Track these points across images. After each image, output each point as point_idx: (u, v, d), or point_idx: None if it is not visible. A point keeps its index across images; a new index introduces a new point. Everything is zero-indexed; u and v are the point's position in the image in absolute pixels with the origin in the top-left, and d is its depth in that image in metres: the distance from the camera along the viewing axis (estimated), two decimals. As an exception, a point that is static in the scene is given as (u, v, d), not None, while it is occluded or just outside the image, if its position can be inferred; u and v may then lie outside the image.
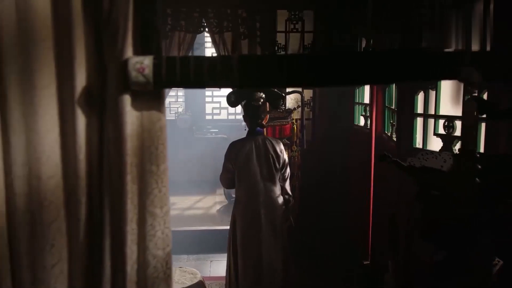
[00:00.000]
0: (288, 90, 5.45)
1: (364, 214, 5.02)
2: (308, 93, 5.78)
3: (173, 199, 6.84)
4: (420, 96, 3.95)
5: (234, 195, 7.64)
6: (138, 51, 1.33)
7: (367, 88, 5.26)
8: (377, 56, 1.34)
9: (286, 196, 4.02)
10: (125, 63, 1.28)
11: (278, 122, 5.43)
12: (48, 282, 1.36)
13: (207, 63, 1.28)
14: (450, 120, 3.53)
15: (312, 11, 5.63)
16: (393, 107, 4.54)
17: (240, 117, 8.91)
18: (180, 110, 9.21)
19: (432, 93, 3.79)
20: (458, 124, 3.48)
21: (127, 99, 1.31)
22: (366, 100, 5.38)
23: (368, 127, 5.13)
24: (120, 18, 1.28)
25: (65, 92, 1.34)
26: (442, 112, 3.72)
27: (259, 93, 3.95)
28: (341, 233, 5.59)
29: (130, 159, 1.33)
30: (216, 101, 9.63)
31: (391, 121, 4.60)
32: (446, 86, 3.71)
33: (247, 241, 3.72)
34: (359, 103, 5.58)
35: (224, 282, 4.32)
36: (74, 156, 1.35)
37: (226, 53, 5.54)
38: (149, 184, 1.36)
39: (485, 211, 2.15)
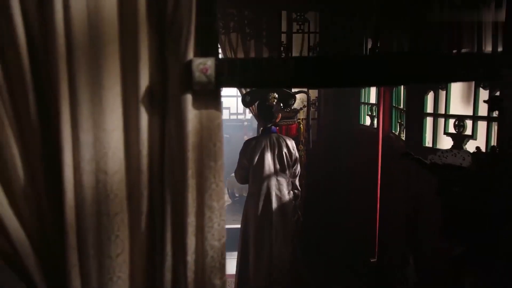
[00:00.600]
0: (293, 90, 5.55)
1: (370, 212, 5.14)
2: (313, 93, 5.89)
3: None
4: (430, 96, 4.07)
5: (237, 195, 7.77)
6: (197, 53, 1.42)
7: (373, 88, 5.38)
8: (422, 59, 1.45)
9: (296, 191, 4.27)
10: (188, 64, 1.37)
11: (285, 122, 5.55)
12: (113, 270, 1.45)
13: (265, 64, 1.38)
14: (460, 119, 3.65)
15: (317, 12, 5.74)
16: (401, 106, 4.66)
17: (242, 117, 9.03)
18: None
19: (442, 93, 3.91)
20: (469, 123, 3.60)
21: (189, 98, 1.40)
22: (372, 100, 5.50)
23: (375, 126, 5.25)
24: (184, 22, 1.38)
25: (129, 92, 1.43)
26: (452, 111, 3.84)
27: (272, 93, 4.13)
28: (346, 230, 5.70)
29: (191, 155, 1.43)
30: (218, 101, 9.69)
31: (399, 121, 4.72)
32: (456, 86, 3.83)
33: (259, 232, 3.99)
34: (365, 103, 5.70)
35: (233, 280, 4.45)
36: (137, 152, 1.44)
37: (232, 54, 5.65)
38: (207, 179, 1.46)
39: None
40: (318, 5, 5.63)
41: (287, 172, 4.19)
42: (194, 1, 1.37)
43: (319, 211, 5.68)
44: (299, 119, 5.60)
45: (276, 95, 4.15)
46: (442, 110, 3.88)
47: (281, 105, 4.37)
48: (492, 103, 2.53)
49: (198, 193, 1.46)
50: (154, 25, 1.42)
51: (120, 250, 1.46)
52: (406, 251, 2.73)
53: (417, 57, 1.47)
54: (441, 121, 3.90)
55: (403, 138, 4.44)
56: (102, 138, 1.41)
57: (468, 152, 2.59)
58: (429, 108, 4.06)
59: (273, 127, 4.24)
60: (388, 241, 4.71)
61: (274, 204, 4.01)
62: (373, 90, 5.40)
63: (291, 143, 4.24)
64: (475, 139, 3.51)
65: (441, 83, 3.38)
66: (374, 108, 5.36)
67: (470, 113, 3.59)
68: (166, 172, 1.45)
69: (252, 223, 3.98)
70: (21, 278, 1.46)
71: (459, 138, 3.66)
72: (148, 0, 1.40)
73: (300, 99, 5.85)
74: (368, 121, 5.50)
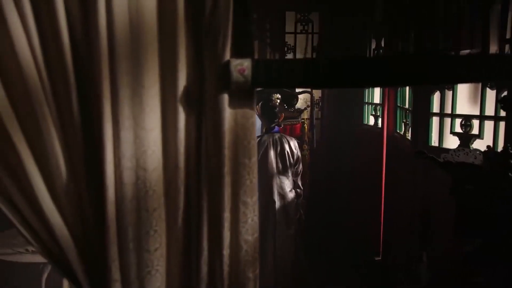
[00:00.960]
0: (297, 90, 5.62)
1: (374, 211, 5.21)
2: (317, 93, 5.97)
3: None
4: (436, 96, 4.15)
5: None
6: (232, 54, 1.49)
7: (376, 88, 5.46)
8: (446, 60, 1.53)
9: (298, 190, 4.41)
10: (226, 64, 1.44)
11: (289, 122, 5.62)
12: (151, 264, 1.52)
13: (300, 65, 1.45)
14: (467, 118, 3.73)
15: (320, 12, 5.82)
16: (406, 106, 4.75)
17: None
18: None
19: (449, 93, 3.99)
20: (476, 123, 3.68)
21: (225, 97, 1.47)
22: (376, 100, 5.58)
23: (379, 126, 5.33)
24: (221, 25, 1.44)
25: (167, 91, 1.50)
26: (459, 111, 3.92)
27: (275, 94, 4.26)
28: (349, 230, 5.78)
29: (227, 153, 1.49)
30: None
31: (404, 120, 4.80)
32: (463, 86, 3.91)
33: (262, 229, 4.00)
34: (369, 103, 5.78)
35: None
36: (175, 150, 1.51)
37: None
38: (242, 175, 1.53)
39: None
40: (321, 5, 5.71)
41: (289, 170, 4.32)
42: (231, 4, 1.44)
43: (322, 210, 5.75)
44: (303, 119, 5.68)
45: (279, 96, 4.27)
46: (448, 110, 3.96)
47: (285, 105, 4.48)
48: (508, 103, 2.61)
49: (233, 189, 1.53)
50: (191, 27, 1.49)
51: (158, 244, 1.52)
52: (419, 248, 2.81)
53: (440, 59, 1.55)
54: (448, 120, 3.98)
55: (409, 138, 4.51)
56: (142, 136, 1.47)
57: (479, 150, 2.67)
58: (435, 108, 4.14)
59: (276, 126, 4.35)
60: (393, 240, 4.79)
61: (277, 202, 4.15)
62: (377, 90, 5.49)
63: (293, 143, 4.36)
64: (482, 139, 3.59)
65: (452, 84, 3.46)
66: (378, 108, 5.44)
67: (477, 112, 3.67)
68: (203, 169, 1.52)
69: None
70: (64, 272, 1.52)
71: (466, 138, 3.73)
72: (186, 3, 1.46)
73: (303, 99, 5.92)
74: (372, 121, 5.58)
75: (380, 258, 5.24)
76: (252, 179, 1.53)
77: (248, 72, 1.42)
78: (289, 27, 5.85)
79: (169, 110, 1.50)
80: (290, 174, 4.35)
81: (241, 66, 1.42)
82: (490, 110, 3.51)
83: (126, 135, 1.46)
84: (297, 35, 5.86)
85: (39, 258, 3.36)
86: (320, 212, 5.70)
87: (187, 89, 1.49)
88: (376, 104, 5.48)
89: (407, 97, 4.68)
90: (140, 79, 1.45)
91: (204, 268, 1.52)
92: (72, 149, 1.48)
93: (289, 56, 5.84)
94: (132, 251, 1.50)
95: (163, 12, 1.46)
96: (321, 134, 5.94)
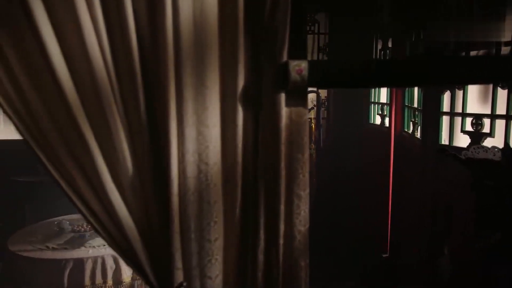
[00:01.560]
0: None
1: (381, 209, 5.34)
2: (323, 93, 6.10)
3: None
4: (446, 95, 4.28)
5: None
6: (288, 55, 1.61)
7: (383, 88, 5.59)
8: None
9: None
10: (284, 65, 1.56)
11: (296, 121, 5.73)
12: (212, 253, 1.64)
13: (354, 65, 1.58)
14: (478, 117, 3.87)
15: (327, 13, 5.93)
16: (414, 106, 4.88)
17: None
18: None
19: (459, 92, 4.13)
20: (487, 121, 3.82)
21: (282, 96, 1.59)
22: (382, 99, 5.72)
23: (385, 125, 5.47)
24: (280, 28, 1.56)
25: (227, 91, 1.61)
26: (469, 110, 4.06)
27: None
28: (355, 229, 5.91)
29: (283, 148, 1.61)
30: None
31: (412, 120, 4.93)
32: (474, 85, 4.05)
33: None
34: (375, 103, 5.92)
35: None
36: (234, 145, 1.63)
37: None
38: (295, 170, 1.65)
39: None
40: (327, 6, 5.82)
41: None
42: (289, 9, 1.56)
43: (328, 209, 5.87)
44: (310, 118, 5.80)
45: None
46: (458, 109, 4.09)
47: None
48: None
49: (288, 183, 1.65)
50: (249, 31, 1.60)
51: (217, 234, 1.64)
52: (441, 242, 2.95)
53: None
54: (458, 119, 4.11)
55: (417, 136, 4.65)
56: (205, 133, 1.59)
57: (498, 148, 2.81)
58: (445, 107, 4.27)
59: None
60: (401, 239, 4.92)
61: None
62: (383, 90, 5.62)
63: None
64: (493, 137, 3.72)
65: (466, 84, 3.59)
66: (385, 107, 5.57)
67: (487, 111, 3.80)
68: (260, 164, 1.63)
69: None
70: (131, 261, 1.63)
71: (477, 136, 3.87)
72: (245, 8, 1.57)
73: (310, 99, 6.05)
74: (378, 121, 5.72)
75: (387, 255, 5.38)
76: (305, 173, 1.65)
77: (305, 72, 1.54)
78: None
79: (228, 108, 1.61)
80: None
81: (299, 67, 1.54)
82: (501, 109, 3.65)
83: (190, 132, 1.57)
84: (304, 36, 5.96)
85: (60, 255, 3.46)
86: (326, 211, 5.82)
87: (245, 88, 1.61)
88: (383, 104, 5.61)
89: (416, 97, 4.81)
90: (203, 79, 1.57)
91: (261, 257, 1.64)
92: (138, 145, 1.59)
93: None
94: (194, 241, 1.61)
95: (224, 16, 1.57)
96: (327, 134, 6.07)
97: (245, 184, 1.64)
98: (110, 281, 3.44)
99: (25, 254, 3.47)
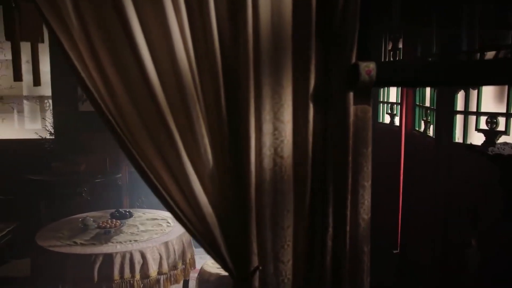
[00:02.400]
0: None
1: (392, 207, 5.52)
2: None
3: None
4: (460, 94, 4.47)
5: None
6: (356, 57, 1.78)
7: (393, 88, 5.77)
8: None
9: None
10: (354, 66, 1.73)
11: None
12: (285, 239, 1.80)
13: (419, 66, 1.75)
14: (493, 116, 4.06)
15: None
16: (426, 105, 5.07)
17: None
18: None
19: (473, 92, 4.32)
20: (501, 120, 4.01)
21: (351, 95, 1.76)
22: (392, 99, 5.91)
23: (395, 124, 5.66)
24: (349, 33, 1.74)
25: (299, 89, 1.78)
26: (484, 109, 4.24)
27: None
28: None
29: (350, 143, 1.79)
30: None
31: (424, 118, 5.12)
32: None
33: None
34: (384, 102, 6.11)
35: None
36: (305, 140, 1.80)
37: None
38: (360, 163, 1.82)
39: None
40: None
41: None
42: (358, 14, 1.73)
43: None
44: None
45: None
46: (472, 108, 4.28)
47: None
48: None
49: (353, 175, 1.82)
50: (320, 34, 1.77)
51: (289, 222, 1.81)
52: (469, 234, 3.14)
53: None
54: (472, 118, 4.30)
55: (429, 135, 4.83)
56: (280, 128, 1.76)
57: (523, 144, 3.01)
58: (459, 106, 4.45)
59: None
60: (413, 236, 5.10)
61: None
62: (392, 90, 5.80)
63: None
64: (509, 135, 3.91)
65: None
66: (394, 106, 5.76)
67: (502, 110, 3.98)
68: (329, 157, 1.80)
69: None
70: (210, 247, 1.79)
71: (492, 134, 4.05)
72: (317, 14, 1.75)
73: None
74: (387, 120, 5.90)
75: (398, 252, 5.56)
76: (368, 166, 1.82)
77: (373, 73, 1.72)
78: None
79: (301, 105, 1.78)
80: None
81: (368, 68, 1.71)
82: (516, 108, 3.84)
83: (267, 127, 1.74)
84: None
85: (90, 250, 3.60)
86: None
87: (315, 87, 1.78)
88: (393, 103, 5.80)
89: (428, 96, 4.99)
90: (279, 79, 1.73)
91: (329, 243, 1.81)
92: (217, 139, 1.75)
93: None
94: (268, 228, 1.78)
95: (297, 20, 1.74)
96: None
97: (315, 176, 1.80)
98: (137, 276, 3.57)
99: (56, 249, 3.59)
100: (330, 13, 1.72)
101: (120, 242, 3.74)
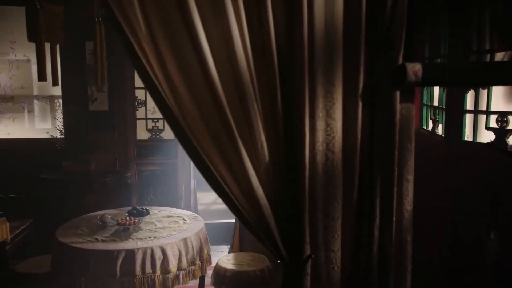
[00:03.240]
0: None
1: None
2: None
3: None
4: (470, 94, 4.63)
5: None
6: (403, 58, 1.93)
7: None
8: None
9: None
10: (401, 67, 1.88)
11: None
12: (335, 230, 1.95)
13: (462, 67, 1.90)
14: (503, 115, 4.22)
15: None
16: (434, 104, 5.23)
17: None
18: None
19: (483, 91, 4.48)
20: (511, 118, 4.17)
21: (398, 94, 1.91)
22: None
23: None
24: (396, 36, 1.88)
25: (349, 88, 1.93)
26: (493, 108, 4.40)
27: None
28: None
29: (397, 139, 1.93)
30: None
31: (432, 117, 5.29)
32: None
33: None
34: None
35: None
36: (354, 136, 1.94)
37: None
38: (405, 157, 1.97)
39: None
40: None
41: None
42: (405, 20, 1.88)
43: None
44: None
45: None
46: (482, 107, 4.43)
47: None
48: None
49: (399, 168, 1.96)
50: (368, 37, 1.92)
51: (339, 214, 1.95)
52: (487, 227, 3.30)
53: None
54: (482, 116, 4.45)
55: (438, 133, 4.98)
56: (332, 125, 1.90)
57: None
58: (469, 105, 4.60)
59: None
60: (421, 233, 5.24)
61: None
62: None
63: None
64: (519, 133, 4.07)
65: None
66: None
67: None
68: (376, 152, 1.95)
69: None
70: (266, 237, 1.93)
71: (502, 132, 4.21)
72: (367, 18, 1.89)
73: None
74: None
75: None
76: (412, 160, 1.97)
77: (419, 73, 1.86)
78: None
79: (349, 104, 1.93)
80: None
81: (415, 69, 1.86)
82: (526, 107, 3.99)
83: (320, 124, 1.88)
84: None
85: (112, 246, 3.71)
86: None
87: (364, 87, 1.92)
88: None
89: (436, 96, 5.14)
90: (331, 79, 1.88)
91: (376, 232, 1.96)
92: (273, 136, 1.89)
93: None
94: (320, 219, 1.92)
95: (348, 24, 1.89)
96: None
97: (362, 170, 1.94)
98: (158, 271, 3.67)
99: (78, 246, 3.68)
100: (379, 17, 1.86)
101: (140, 238, 3.83)
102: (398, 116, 1.89)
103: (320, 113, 1.85)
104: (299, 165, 1.86)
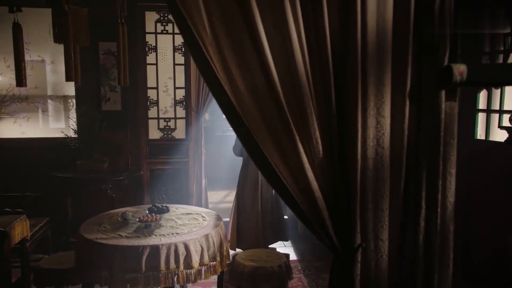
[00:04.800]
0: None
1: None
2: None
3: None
4: (482, 94, 4.81)
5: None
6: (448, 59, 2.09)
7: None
8: None
9: None
10: (447, 68, 2.03)
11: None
12: (383, 220, 2.10)
13: (505, 67, 2.06)
14: (516, 114, 4.41)
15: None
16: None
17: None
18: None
19: (496, 91, 4.67)
20: (524, 117, 4.36)
21: (443, 93, 2.07)
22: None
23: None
24: (443, 38, 2.04)
25: (397, 88, 2.08)
26: (506, 108, 4.59)
27: None
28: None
29: (442, 135, 2.09)
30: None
31: (443, 117, 5.46)
32: None
33: (249, 197, 5.44)
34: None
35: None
36: (401, 132, 2.09)
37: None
38: (448, 152, 2.13)
39: None
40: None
41: None
42: (452, 22, 2.04)
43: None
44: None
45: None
46: (495, 106, 4.62)
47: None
48: None
49: (443, 162, 2.12)
50: (416, 40, 2.08)
51: (387, 205, 2.11)
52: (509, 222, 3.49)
53: None
54: (495, 116, 4.64)
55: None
56: (382, 122, 2.06)
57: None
58: (481, 105, 4.79)
59: None
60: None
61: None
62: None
63: None
64: (531, 132, 4.25)
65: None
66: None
67: (525, 109, 4.33)
68: (422, 148, 2.11)
69: (242, 190, 5.47)
70: (320, 227, 2.08)
71: (515, 131, 4.40)
72: (415, 22, 2.05)
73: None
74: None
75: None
76: (454, 155, 2.13)
77: (465, 74, 2.02)
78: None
79: (397, 102, 2.08)
80: None
81: (460, 69, 2.02)
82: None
83: (371, 121, 2.04)
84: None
85: (137, 242, 3.83)
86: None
87: (411, 86, 2.08)
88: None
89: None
90: (381, 78, 2.03)
91: (422, 223, 2.11)
92: (327, 132, 2.04)
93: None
94: (370, 210, 2.08)
95: (397, 28, 2.04)
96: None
97: (409, 164, 2.10)
98: (182, 266, 3.79)
99: (104, 241, 3.80)
100: (426, 22, 2.02)
101: (163, 235, 3.95)
102: (443, 114, 2.04)
103: (371, 111, 2.00)
104: (352, 160, 2.00)
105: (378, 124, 2.03)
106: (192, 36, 1.86)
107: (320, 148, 2.02)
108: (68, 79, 3.71)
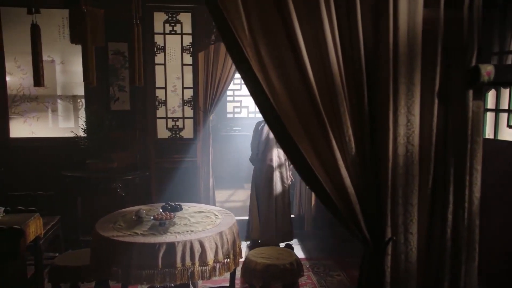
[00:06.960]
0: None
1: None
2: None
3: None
4: (491, 93, 4.92)
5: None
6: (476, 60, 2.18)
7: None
8: None
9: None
10: (475, 69, 2.13)
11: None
12: (413, 214, 2.20)
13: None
14: (524, 114, 4.52)
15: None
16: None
17: (259, 115, 9.77)
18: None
19: (505, 90, 4.77)
20: (533, 117, 4.47)
21: (471, 93, 2.17)
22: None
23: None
24: (471, 40, 2.14)
25: (426, 87, 2.18)
26: (515, 107, 4.70)
27: None
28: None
29: (469, 133, 2.19)
30: (237, 100, 10.54)
31: (450, 116, 5.56)
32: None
33: (263, 194, 5.91)
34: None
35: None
36: (430, 130, 2.19)
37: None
38: (475, 149, 2.23)
39: None
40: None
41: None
42: (480, 26, 2.13)
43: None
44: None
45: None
46: (504, 106, 4.72)
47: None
48: None
49: (470, 159, 2.22)
50: (445, 41, 2.17)
51: (416, 200, 2.20)
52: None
53: None
54: (504, 115, 4.75)
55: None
56: (412, 120, 2.15)
57: None
58: (490, 104, 4.89)
59: None
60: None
61: (275, 165, 5.86)
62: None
63: None
64: (540, 131, 4.37)
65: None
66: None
67: (533, 108, 4.44)
68: (450, 145, 2.21)
69: (260, 180, 5.95)
70: (351, 221, 2.17)
71: (524, 130, 4.51)
72: (444, 25, 2.14)
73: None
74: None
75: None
76: (480, 152, 2.23)
77: (492, 74, 2.12)
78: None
79: (426, 101, 2.18)
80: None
81: (487, 70, 2.12)
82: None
83: (402, 120, 2.13)
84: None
85: (153, 240, 3.90)
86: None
87: (439, 86, 2.17)
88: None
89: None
90: (411, 78, 2.13)
91: (449, 217, 2.21)
92: (359, 130, 2.13)
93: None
94: (400, 205, 2.17)
95: (427, 30, 2.14)
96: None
97: (437, 161, 2.20)
98: (197, 263, 3.85)
99: (120, 239, 3.86)
100: (455, 24, 2.12)
101: (178, 232, 4.01)
102: (470, 112, 2.14)
103: (402, 110, 2.10)
104: (383, 157, 2.10)
105: (408, 122, 2.12)
106: (233, 36, 1.95)
107: (353, 145, 2.11)
108: (85, 80, 3.78)
